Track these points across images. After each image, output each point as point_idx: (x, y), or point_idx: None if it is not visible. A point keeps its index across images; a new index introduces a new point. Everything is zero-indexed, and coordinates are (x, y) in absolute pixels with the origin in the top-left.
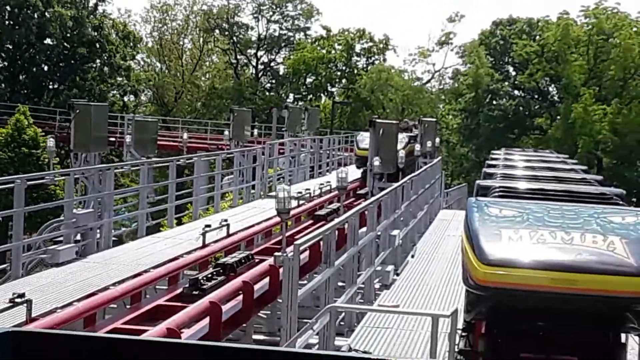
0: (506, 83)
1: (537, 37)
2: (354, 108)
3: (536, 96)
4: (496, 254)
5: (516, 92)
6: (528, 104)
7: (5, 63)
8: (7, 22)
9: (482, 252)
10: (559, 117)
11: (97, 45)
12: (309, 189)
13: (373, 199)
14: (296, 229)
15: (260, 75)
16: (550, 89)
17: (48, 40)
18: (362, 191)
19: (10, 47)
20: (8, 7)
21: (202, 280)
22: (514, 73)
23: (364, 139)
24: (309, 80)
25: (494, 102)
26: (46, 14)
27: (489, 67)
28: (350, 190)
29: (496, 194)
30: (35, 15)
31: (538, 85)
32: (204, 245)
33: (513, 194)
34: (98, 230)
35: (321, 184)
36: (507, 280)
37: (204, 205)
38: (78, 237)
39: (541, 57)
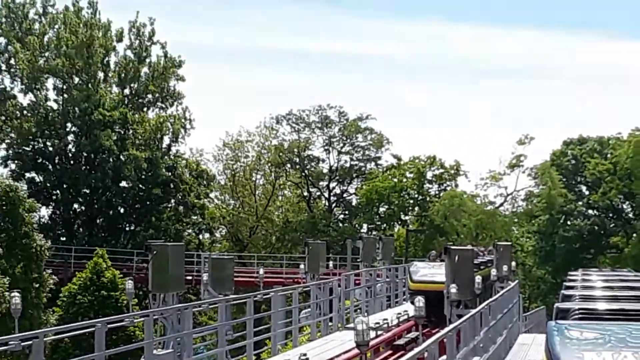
0: (580, 203)
1: (609, 155)
2: (427, 235)
3: (611, 214)
4: None
5: (590, 211)
6: (603, 222)
7: (83, 207)
8: (83, 167)
9: None
10: (635, 235)
11: (172, 185)
12: (386, 319)
13: (452, 326)
14: (376, 359)
15: (333, 206)
16: (625, 206)
17: (124, 183)
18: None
19: (88, 191)
20: (84, 153)
21: None
22: (587, 192)
23: (418, 270)
24: (382, 209)
25: (569, 223)
26: (121, 157)
27: (562, 187)
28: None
29: (576, 316)
30: (111, 159)
31: (612, 203)
32: None
33: (593, 315)
34: None
35: (398, 314)
36: None
37: (283, 340)
38: None
39: (614, 175)
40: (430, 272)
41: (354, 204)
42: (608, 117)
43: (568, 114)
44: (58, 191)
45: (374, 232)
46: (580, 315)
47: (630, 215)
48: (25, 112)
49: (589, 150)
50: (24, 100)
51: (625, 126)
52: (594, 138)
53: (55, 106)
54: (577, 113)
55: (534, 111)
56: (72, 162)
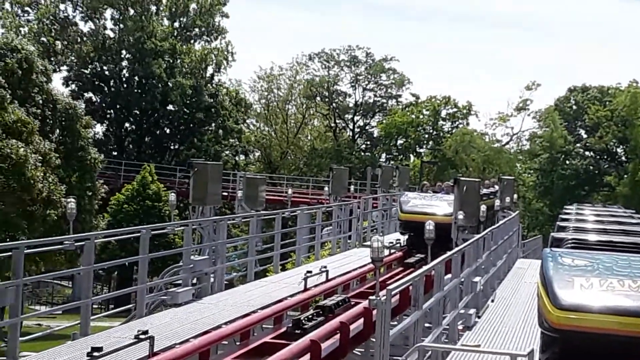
0: (578, 144)
1: (608, 103)
2: (440, 167)
3: (605, 156)
4: (569, 300)
5: (587, 152)
6: (598, 163)
7: (133, 126)
8: (135, 91)
9: (556, 298)
10: (626, 176)
11: (213, 111)
12: (399, 239)
13: (457, 249)
14: (388, 275)
15: (356, 137)
16: (619, 150)
17: (170, 107)
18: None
19: (138, 112)
20: (136, 78)
21: (303, 321)
22: (585, 135)
23: (409, 200)
24: (399, 142)
25: (567, 162)
26: (169, 83)
27: (563, 130)
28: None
29: (569, 245)
30: (160, 85)
31: (607, 146)
32: (306, 289)
33: (584, 245)
34: (212, 275)
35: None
36: (579, 323)
37: (306, 253)
38: (194, 281)
39: (611, 121)
40: (420, 202)
41: (375, 135)
42: (610, 69)
43: (574, 64)
44: (112, 111)
45: (391, 162)
46: (572, 245)
47: (623, 158)
48: (85, 38)
49: (590, 97)
50: (84, 27)
51: (625, 77)
52: (595, 87)
53: (112, 34)
54: (582, 64)
55: (544, 60)
56: (125, 85)
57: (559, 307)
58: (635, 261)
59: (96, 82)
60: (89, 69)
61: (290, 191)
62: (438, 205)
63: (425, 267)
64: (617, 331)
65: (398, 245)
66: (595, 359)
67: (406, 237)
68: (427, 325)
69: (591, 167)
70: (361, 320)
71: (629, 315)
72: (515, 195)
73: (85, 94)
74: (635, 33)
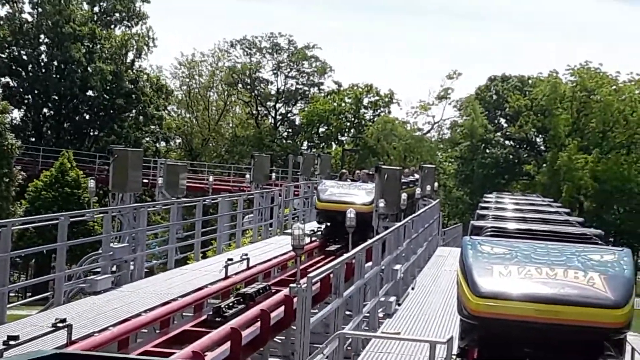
0: (498, 133)
1: (528, 93)
2: (361, 155)
3: (525, 145)
4: (487, 287)
5: (507, 141)
6: (517, 152)
7: (52, 112)
8: (54, 76)
9: (475, 285)
10: (545, 165)
11: (134, 97)
12: (320, 227)
13: (378, 236)
14: (309, 262)
15: (278, 125)
16: (538, 139)
17: (90, 92)
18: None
19: (57, 97)
20: (55, 62)
21: (224, 308)
22: (505, 124)
23: (327, 188)
24: (321, 129)
25: (487, 151)
26: (89, 68)
27: (484, 118)
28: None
29: (488, 233)
30: (79, 70)
31: (527, 135)
32: (226, 277)
33: (503, 233)
34: (132, 263)
35: None
36: (497, 311)
37: (227, 241)
38: (114, 269)
39: (530, 110)
40: (338, 191)
41: (297, 123)
42: (530, 59)
43: (495, 53)
44: (30, 96)
45: (313, 150)
46: (492, 233)
47: (542, 147)
48: (1, 22)
49: (510, 87)
50: (1, 11)
51: (545, 67)
52: (516, 76)
53: (29, 18)
54: (503, 53)
55: (465, 49)
56: (43, 70)
57: (478, 295)
58: (552, 249)
59: (13, 67)
60: (5, 53)
61: (211, 178)
62: (356, 194)
63: (346, 255)
64: (535, 318)
65: (319, 233)
66: (513, 345)
67: (324, 226)
68: (347, 313)
69: (511, 156)
70: (282, 308)
71: (546, 303)
72: (436, 184)
73: (2, 79)
74: (556, 22)
